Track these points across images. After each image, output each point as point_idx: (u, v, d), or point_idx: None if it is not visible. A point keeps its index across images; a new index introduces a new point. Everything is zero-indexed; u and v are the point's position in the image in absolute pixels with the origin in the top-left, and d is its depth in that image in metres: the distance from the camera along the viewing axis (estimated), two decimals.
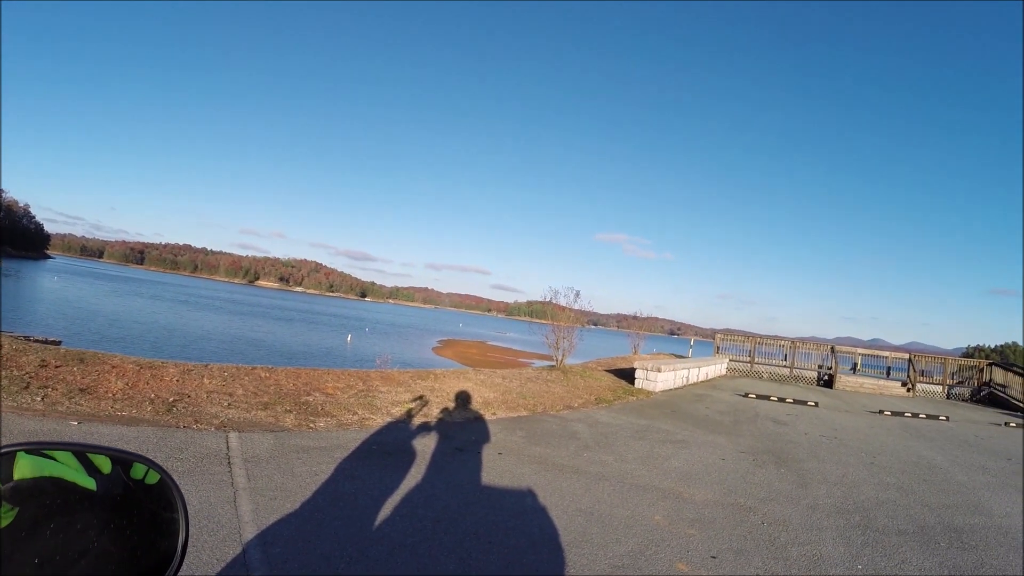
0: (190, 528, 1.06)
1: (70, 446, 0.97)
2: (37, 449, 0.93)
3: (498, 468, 7.59)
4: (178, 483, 1.06)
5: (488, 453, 8.24)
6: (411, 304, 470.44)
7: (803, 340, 30.91)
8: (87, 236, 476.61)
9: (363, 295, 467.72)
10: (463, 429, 9.55)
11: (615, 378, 18.46)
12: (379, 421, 9.20)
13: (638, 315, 34.99)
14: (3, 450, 0.90)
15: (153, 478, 1.03)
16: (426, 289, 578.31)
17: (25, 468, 0.90)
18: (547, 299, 19.94)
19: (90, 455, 0.97)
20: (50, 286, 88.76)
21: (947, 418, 17.98)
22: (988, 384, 26.20)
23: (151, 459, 1.03)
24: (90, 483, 0.95)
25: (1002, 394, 24.87)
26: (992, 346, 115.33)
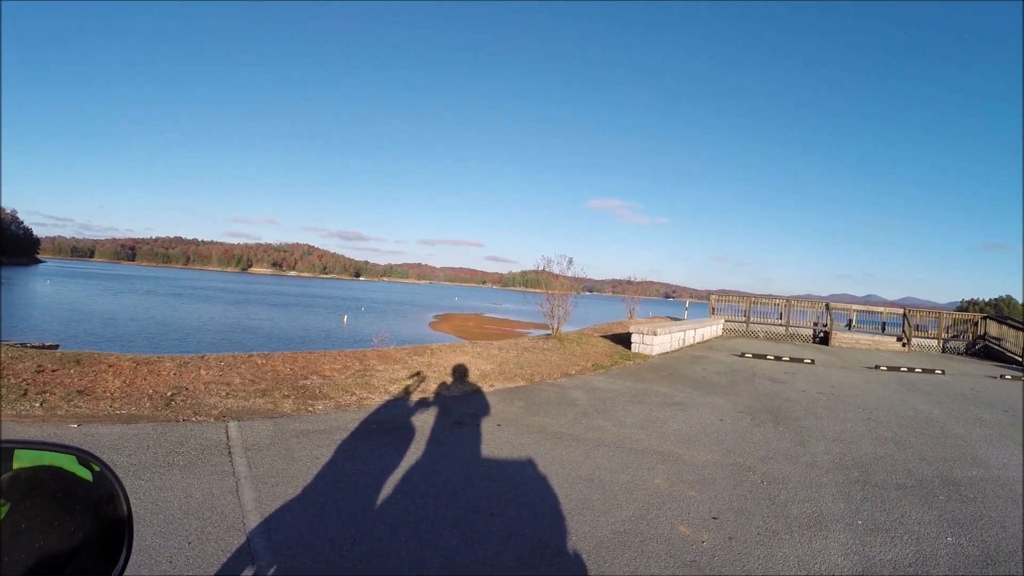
0: (134, 522, 1.06)
1: (25, 444, 0.97)
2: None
3: (497, 439, 7.63)
4: (121, 480, 1.06)
5: (487, 425, 8.28)
6: (406, 281, 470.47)
7: (798, 298, 30.96)
8: (77, 237, 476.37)
9: (357, 275, 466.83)
10: (461, 402, 9.58)
11: (611, 343, 18.51)
12: (377, 400, 9.22)
13: (633, 280, 34.82)
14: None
15: (86, 474, 1.02)
16: (420, 265, 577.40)
17: (24, 460, 0.91)
18: (540, 268, 19.90)
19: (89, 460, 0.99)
20: (43, 291, 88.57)
21: (943, 372, 18.12)
22: (983, 337, 26.38)
23: (96, 454, 1.03)
24: (86, 475, 0.96)
25: (997, 347, 25.07)
26: (986, 300, 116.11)
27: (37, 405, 7.27)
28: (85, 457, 1.02)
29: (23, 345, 12.01)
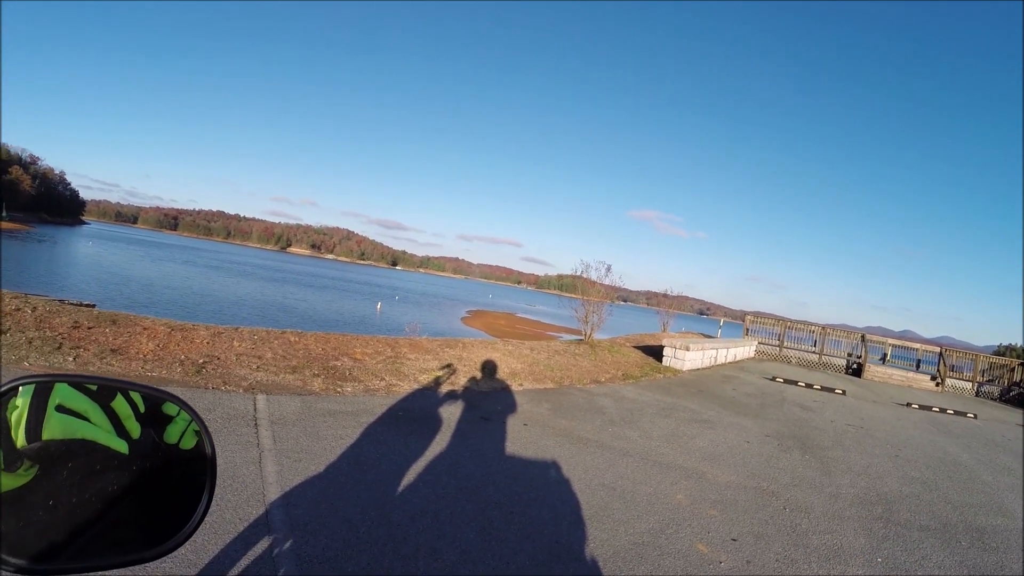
0: (215, 493, 1.08)
1: (105, 381, 0.98)
2: (75, 382, 0.95)
3: (523, 439, 7.64)
4: (213, 438, 1.08)
5: (513, 423, 8.29)
6: (441, 274, 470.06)
7: (833, 327, 30.58)
8: (122, 202, 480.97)
9: (394, 264, 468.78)
10: (489, 399, 9.61)
11: (643, 355, 18.42)
12: (406, 388, 9.27)
13: (668, 293, 34.61)
14: (41, 379, 0.93)
15: (189, 442, 1.05)
16: (457, 259, 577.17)
17: (55, 429, 0.90)
18: (578, 273, 19.81)
19: (129, 392, 1.00)
20: (85, 251, 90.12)
21: (975, 416, 17.76)
22: (1018, 384, 25.76)
23: (185, 402, 1.05)
24: (122, 446, 0.97)
25: None
26: None
27: (70, 359, 7.41)
28: (162, 396, 1.04)
29: (61, 301, 12.21)
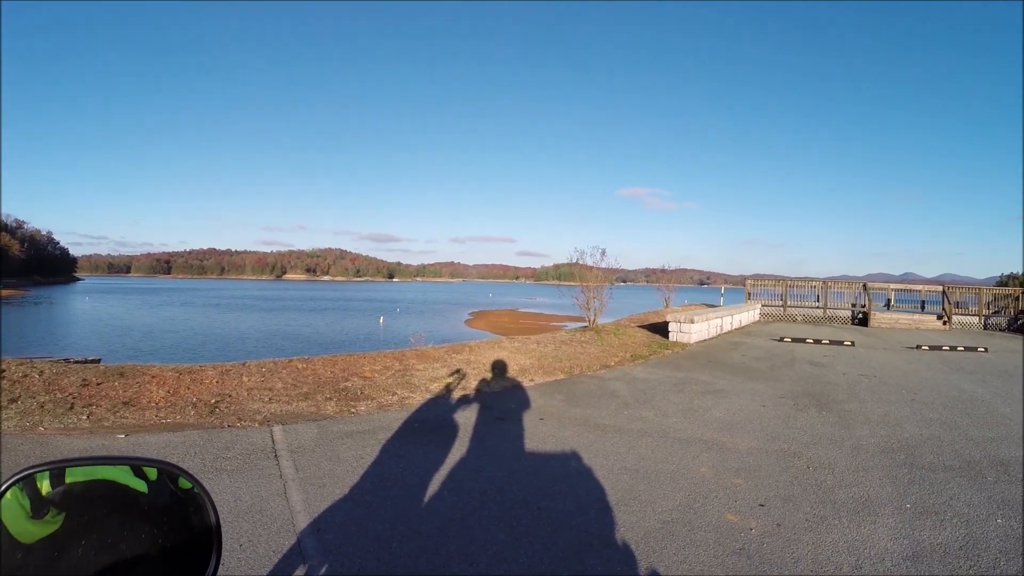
0: (222, 532, 1.11)
1: (118, 460, 1.01)
2: (89, 463, 0.98)
3: (540, 434, 7.66)
4: (208, 491, 1.11)
5: (529, 419, 8.32)
6: (439, 280, 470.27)
7: (834, 279, 30.56)
8: (112, 253, 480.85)
9: (391, 276, 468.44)
10: (502, 398, 9.64)
11: (649, 333, 18.48)
12: (419, 399, 9.29)
13: (666, 268, 34.72)
14: (54, 466, 0.95)
15: (140, 485, 1.07)
16: (452, 263, 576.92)
17: (78, 474, 0.95)
18: (574, 260, 19.87)
19: (143, 467, 1.03)
20: (82, 308, 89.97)
21: (985, 349, 17.80)
22: None
23: (179, 466, 1.08)
24: (141, 485, 1.00)
25: None
26: None
27: (84, 418, 7.42)
28: (170, 469, 1.07)
29: (66, 361, 12.25)
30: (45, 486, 0.93)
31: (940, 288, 28.36)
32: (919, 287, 31.08)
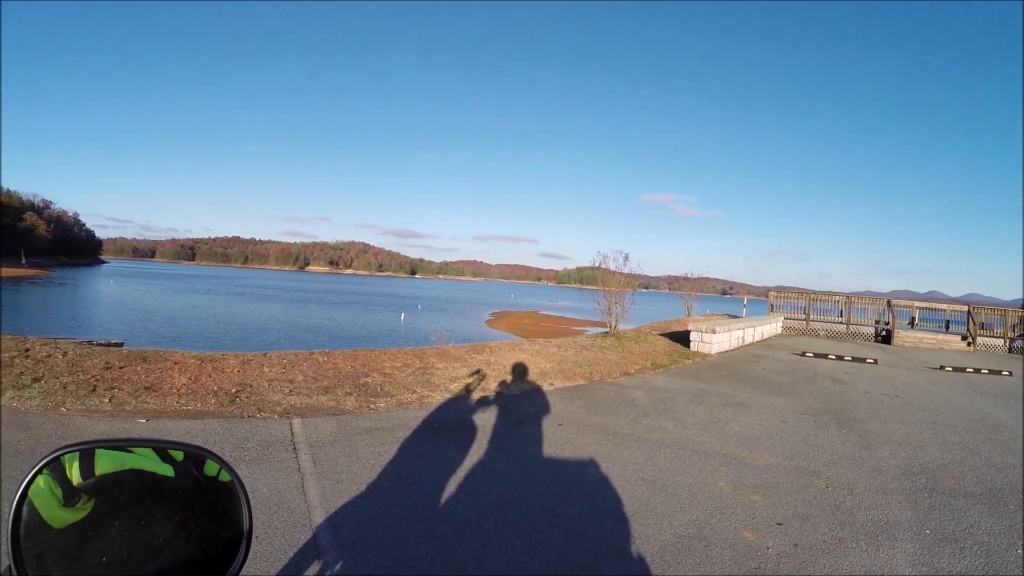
0: (254, 523, 1.11)
1: (146, 442, 1.02)
2: (113, 446, 0.99)
3: (559, 439, 7.65)
4: (242, 479, 1.11)
5: (548, 424, 8.32)
6: (461, 278, 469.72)
7: (858, 295, 30.29)
8: (138, 238, 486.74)
9: (413, 272, 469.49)
10: (522, 401, 9.64)
11: (670, 342, 18.41)
12: (438, 398, 9.33)
13: (689, 276, 34.61)
14: (83, 447, 0.97)
15: (225, 476, 1.08)
16: (475, 262, 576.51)
17: (106, 463, 0.96)
18: (597, 264, 19.84)
19: (169, 451, 1.04)
20: (107, 290, 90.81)
21: (1010, 373, 17.54)
22: None
23: (217, 454, 1.09)
24: (167, 470, 1.01)
25: None
26: None
27: (106, 401, 7.51)
28: (200, 453, 1.08)
29: (90, 343, 12.36)
30: (75, 473, 0.95)
31: (965, 308, 27.98)
32: (944, 306, 30.67)
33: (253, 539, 1.10)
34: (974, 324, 26.33)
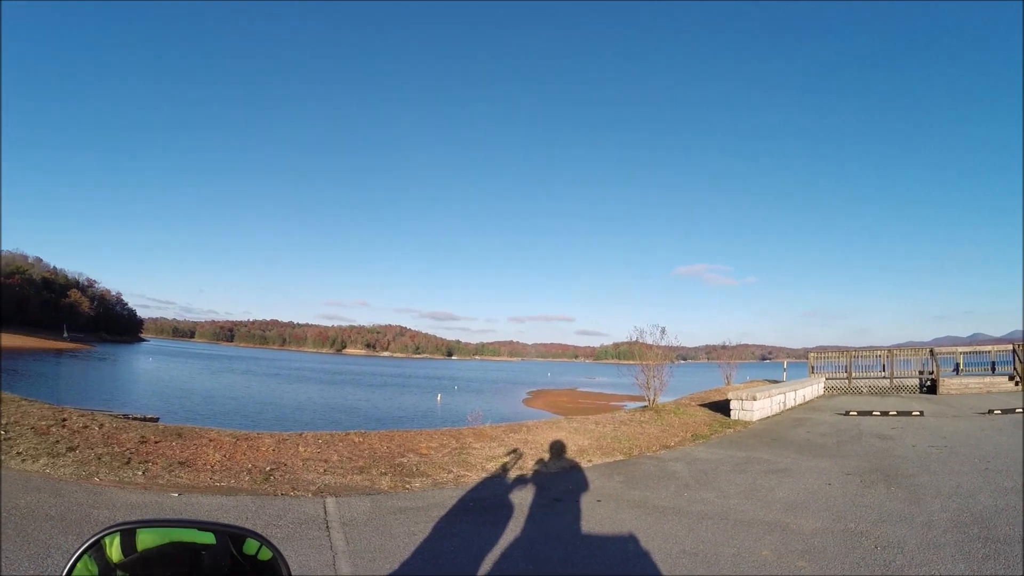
0: None
1: (188, 523, 1.05)
2: (154, 525, 1.02)
3: (597, 515, 7.54)
4: (286, 558, 1.12)
5: (586, 501, 8.20)
6: (497, 358, 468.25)
7: (899, 347, 29.84)
8: (178, 318, 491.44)
9: (449, 354, 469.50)
10: (559, 479, 9.52)
11: (710, 412, 18.19)
12: (474, 477, 9.26)
13: (727, 344, 34.54)
14: (124, 527, 0.99)
15: (265, 555, 1.09)
16: (511, 342, 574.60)
17: (147, 540, 0.98)
18: (633, 339, 19.82)
19: (200, 530, 1.06)
20: (145, 367, 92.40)
21: None
22: None
23: (260, 533, 1.10)
24: (209, 538, 1.03)
25: None
26: None
27: (140, 473, 7.60)
28: (243, 534, 1.10)
29: (126, 417, 12.52)
30: (115, 551, 0.97)
31: (1010, 347, 27.32)
32: (988, 348, 29.97)
33: None
34: (1020, 362, 25.65)
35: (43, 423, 8.52)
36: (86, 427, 8.73)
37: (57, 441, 8.06)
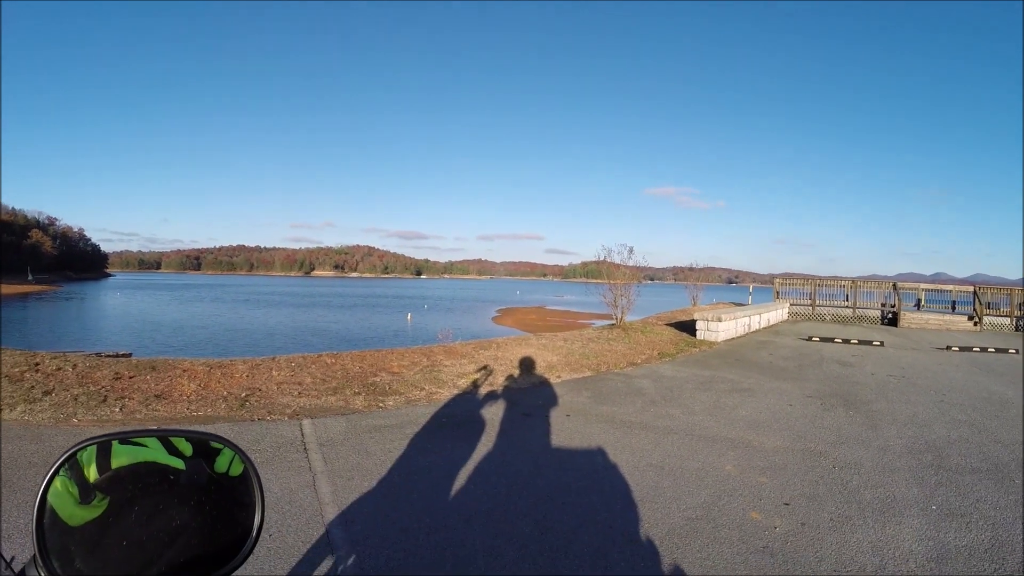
0: (266, 510, 1.15)
1: (161, 432, 1.07)
2: (127, 437, 1.04)
3: (567, 430, 7.70)
4: (255, 464, 1.14)
5: (555, 416, 8.37)
6: (466, 277, 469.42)
7: (864, 279, 30.21)
8: (143, 250, 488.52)
9: (418, 273, 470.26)
10: (529, 394, 9.67)
11: (676, 331, 18.43)
12: (446, 394, 9.38)
13: (694, 266, 34.74)
14: (99, 440, 1.01)
15: (236, 470, 1.12)
16: (480, 261, 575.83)
17: (122, 457, 1.00)
18: (601, 258, 19.85)
19: (172, 439, 1.08)
20: (113, 303, 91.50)
21: (1017, 351, 17.56)
22: None
23: (226, 438, 1.13)
24: (179, 463, 1.05)
25: None
26: None
27: (117, 410, 7.58)
28: (216, 441, 1.12)
29: (98, 355, 12.43)
30: (92, 470, 0.99)
31: (971, 288, 27.90)
32: (950, 287, 30.57)
33: (264, 533, 1.13)
34: (980, 304, 26.29)
35: (16, 370, 8.41)
36: (59, 369, 8.65)
37: (32, 387, 7.97)
